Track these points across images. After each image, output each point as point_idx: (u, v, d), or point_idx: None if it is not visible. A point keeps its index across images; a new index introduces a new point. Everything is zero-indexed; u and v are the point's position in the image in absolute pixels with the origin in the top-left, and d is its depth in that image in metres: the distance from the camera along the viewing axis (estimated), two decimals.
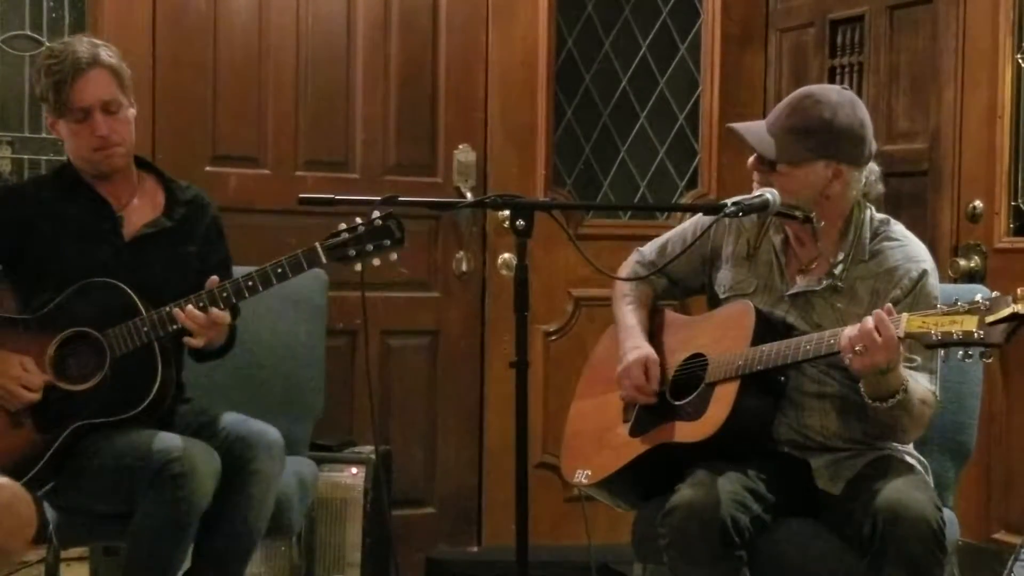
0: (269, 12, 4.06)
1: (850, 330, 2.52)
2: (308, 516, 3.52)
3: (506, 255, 4.22)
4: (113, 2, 3.89)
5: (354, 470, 3.79)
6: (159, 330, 2.91)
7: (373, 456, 3.77)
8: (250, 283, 2.93)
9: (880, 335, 2.46)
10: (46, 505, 3.02)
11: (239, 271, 3.29)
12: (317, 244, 2.91)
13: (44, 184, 3.15)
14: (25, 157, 3.93)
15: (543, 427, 4.24)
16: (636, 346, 2.90)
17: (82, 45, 3.00)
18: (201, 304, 2.90)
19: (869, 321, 2.49)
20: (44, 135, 3.95)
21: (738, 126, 2.81)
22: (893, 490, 2.54)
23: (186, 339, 2.93)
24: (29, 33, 3.91)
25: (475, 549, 4.31)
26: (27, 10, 3.90)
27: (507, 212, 2.56)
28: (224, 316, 2.93)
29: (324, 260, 2.91)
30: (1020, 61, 3.76)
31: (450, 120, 4.28)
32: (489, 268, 4.29)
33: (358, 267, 2.92)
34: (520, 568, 2.48)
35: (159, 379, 2.94)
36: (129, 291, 2.94)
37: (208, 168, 3.97)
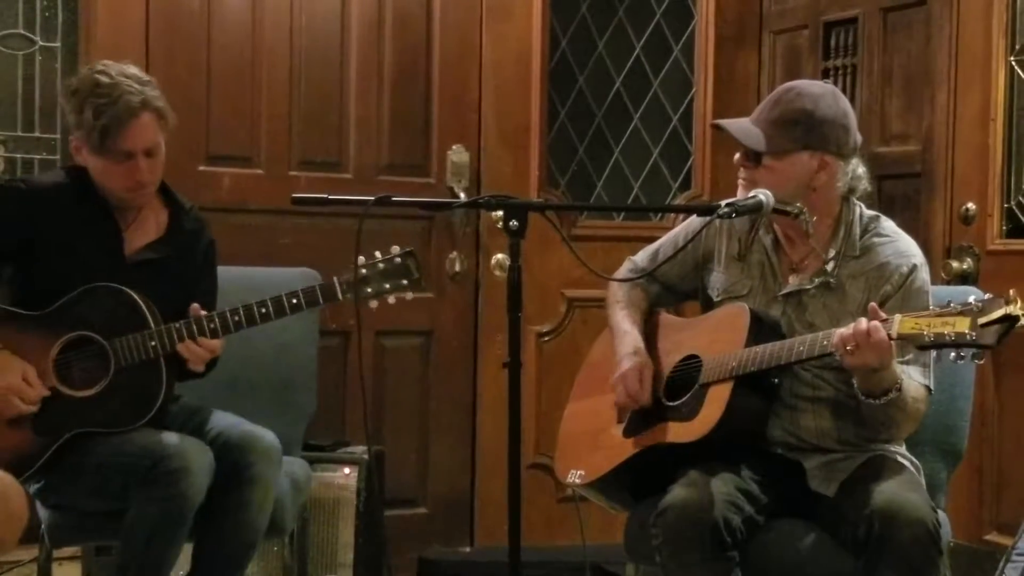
0: (263, 11, 4.06)
1: (844, 330, 2.53)
2: (301, 516, 3.51)
3: (499, 256, 4.22)
4: (107, 1, 3.88)
5: (347, 470, 3.78)
6: (167, 346, 2.90)
7: (366, 456, 3.77)
8: (263, 310, 2.92)
9: (871, 337, 2.48)
10: (38, 504, 3.01)
11: (234, 270, 3.30)
12: (335, 279, 2.90)
13: (59, 186, 3.02)
14: (18, 156, 3.91)
15: (536, 428, 4.24)
16: (631, 353, 2.89)
17: (130, 84, 2.90)
18: (212, 326, 2.89)
19: (863, 322, 2.50)
20: (38, 134, 3.93)
21: (723, 122, 2.85)
22: (888, 492, 2.55)
23: (190, 366, 2.93)
24: (22, 32, 3.90)
25: (468, 549, 4.31)
26: (20, 9, 3.89)
27: (500, 212, 2.56)
28: (217, 346, 2.93)
29: (340, 296, 2.91)
30: (1013, 63, 3.77)
31: (444, 120, 4.28)
32: (482, 269, 4.29)
33: (373, 304, 2.93)
34: (513, 569, 2.48)
35: (162, 397, 2.94)
36: (138, 300, 2.92)
37: (202, 167, 3.96)
